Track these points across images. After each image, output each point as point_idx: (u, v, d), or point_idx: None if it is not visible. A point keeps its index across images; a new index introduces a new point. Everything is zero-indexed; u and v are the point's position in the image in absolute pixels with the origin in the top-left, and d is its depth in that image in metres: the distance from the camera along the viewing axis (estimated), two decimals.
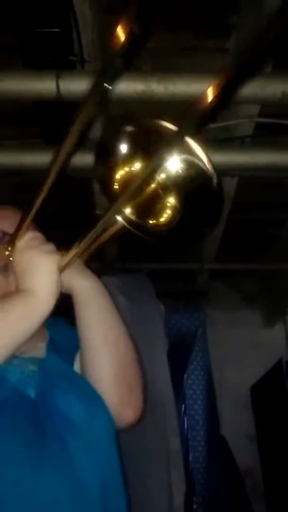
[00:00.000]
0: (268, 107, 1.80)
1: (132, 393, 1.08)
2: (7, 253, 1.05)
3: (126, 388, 1.06)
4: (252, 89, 1.60)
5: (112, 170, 0.83)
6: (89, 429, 0.97)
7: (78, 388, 1.02)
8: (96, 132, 1.96)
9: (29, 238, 1.02)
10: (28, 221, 1.01)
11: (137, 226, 0.83)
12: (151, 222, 0.88)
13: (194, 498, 2.72)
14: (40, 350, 1.08)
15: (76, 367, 1.11)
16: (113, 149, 0.81)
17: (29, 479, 0.86)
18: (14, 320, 0.92)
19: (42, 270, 0.97)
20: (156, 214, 0.87)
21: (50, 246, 1.02)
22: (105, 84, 0.70)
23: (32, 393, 0.97)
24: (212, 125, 1.95)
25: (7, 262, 1.06)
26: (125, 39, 0.64)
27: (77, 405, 0.98)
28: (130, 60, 1.18)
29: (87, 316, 1.06)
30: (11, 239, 1.04)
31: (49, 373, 1.02)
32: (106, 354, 1.05)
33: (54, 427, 0.93)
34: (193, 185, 0.78)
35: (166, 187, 0.79)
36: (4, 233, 1.10)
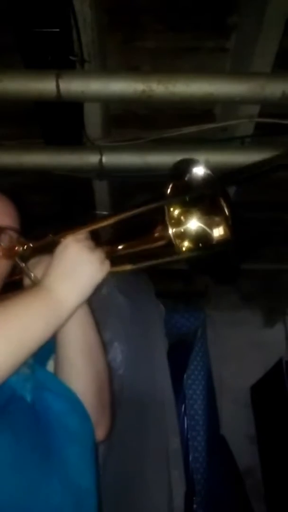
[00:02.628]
0: (268, 107, 1.80)
1: (105, 411, 1.06)
2: (19, 248, 0.99)
3: (101, 406, 1.05)
4: (252, 89, 1.60)
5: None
6: (83, 437, 0.96)
7: (67, 395, 0.99)
8: (95, 131, 1.97)
9: (82, 236, 0.92)
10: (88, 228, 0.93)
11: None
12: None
13: (194, 498, 2.72)
14: None
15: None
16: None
17: (39, 485, 0.85)
18: (28, 323, 0.84)
19: (86, 272, 0.88)
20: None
21: (100, 253, 0.91)
22: None
23: (28, 397, 0.95)
24: (212, 125, 1.96)
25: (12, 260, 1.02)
26: None
27: (71, 412, 0.97)
28: None
29: (70, 330, 0.99)
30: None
31: (40, 377, 0.99)
32: (88, 372, 1.02)
33: (54, 433, 0.92)
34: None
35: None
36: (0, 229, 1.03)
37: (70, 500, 0.88)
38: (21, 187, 2.38)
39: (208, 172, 0.89)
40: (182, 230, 0.86)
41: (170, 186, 0.86)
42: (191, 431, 2.91)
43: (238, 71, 1.73)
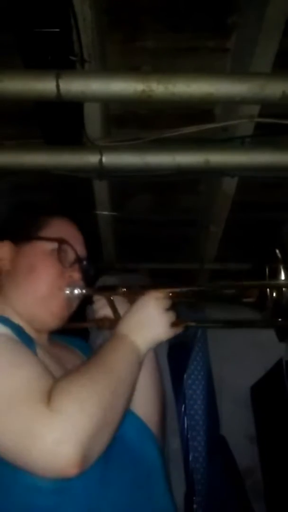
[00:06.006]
0: (268, 107, 1.80)
1: (164, 431, 1.12)
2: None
3: (162, 425, 1.10)
4: (252, 89, 1.60)
5: None
6: (159, 463, 1.00)
7: (140, 424, 1.02)
8: (95, 131, 1.97)
9: (162, 296, 1.02)
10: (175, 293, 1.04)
11: None
12: None
13: (194, 498, 2.72)
14: None
15: None
16: None
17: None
18: (124, 377, 0.91)
19: (157, 328, 0.98)
20: None
21: (172, 315, 1.02)
22: None
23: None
24: (212, 125, 1.96)
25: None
26: None
27: (147, 441, 1.00)
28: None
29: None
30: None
31: None
32: (154, 396, 1.09)
33: (137, 460, 0.96)
34: None
35: None
36: (78, 259, 1.11)
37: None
38: (21, 187, 2.38)
39: None
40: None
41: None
42: (191, 431, 2.90)
43: (238, 71, 1.73)
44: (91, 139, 1.96)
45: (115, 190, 2.43)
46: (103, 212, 2.58)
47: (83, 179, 2.19)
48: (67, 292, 1.06)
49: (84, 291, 1.09)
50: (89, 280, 1.15)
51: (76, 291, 1.07)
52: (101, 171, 2.04)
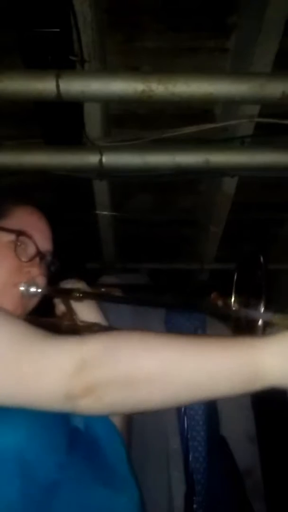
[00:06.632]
0: (268, 107, 1.80)
1: (129, 428, 1.08)
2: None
3: (127, 422, 1.06)
4: (252, 89, 1.60)
5: None
6: (125, 454, 0.97)
7: (104, 420, 0.96)
8: (95, 131, 1.97)
9: None
10: None
11: None
12: None
13: (194, 498, 2.72)
14: None
15: None
16: None
17: (113, 502, 0.88)
18: (220, 375, 0.74)
19: None
20: None
21: None
22: None
23: (81, 427, 0.90)
24: (212, 125, 1.96)
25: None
26: None
27: (112, 435, 0.96)
28: None
29: None
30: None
31: None
32: None
33: (106, 455, 0.93)
34: None
35: None
36: (39, 253, 1.00)
37: (136, 510, 0.92)
38: (20, 186, 2.38)
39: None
40: None
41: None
42: (191, 431, 2.90)
43: (238, 71, 1.73)
44: (91, 139, 1.96)
45: (115, 190, 2.43)
46: (103, 212, 2.58)
47: (83, 179, 2.19)
48: (22, 288, 0.95)
49: (40, 290, 0.97)
50: (52, 277, 1.04)
51: (32, 289, 0.96)
52: (101, 171, 2.04)
